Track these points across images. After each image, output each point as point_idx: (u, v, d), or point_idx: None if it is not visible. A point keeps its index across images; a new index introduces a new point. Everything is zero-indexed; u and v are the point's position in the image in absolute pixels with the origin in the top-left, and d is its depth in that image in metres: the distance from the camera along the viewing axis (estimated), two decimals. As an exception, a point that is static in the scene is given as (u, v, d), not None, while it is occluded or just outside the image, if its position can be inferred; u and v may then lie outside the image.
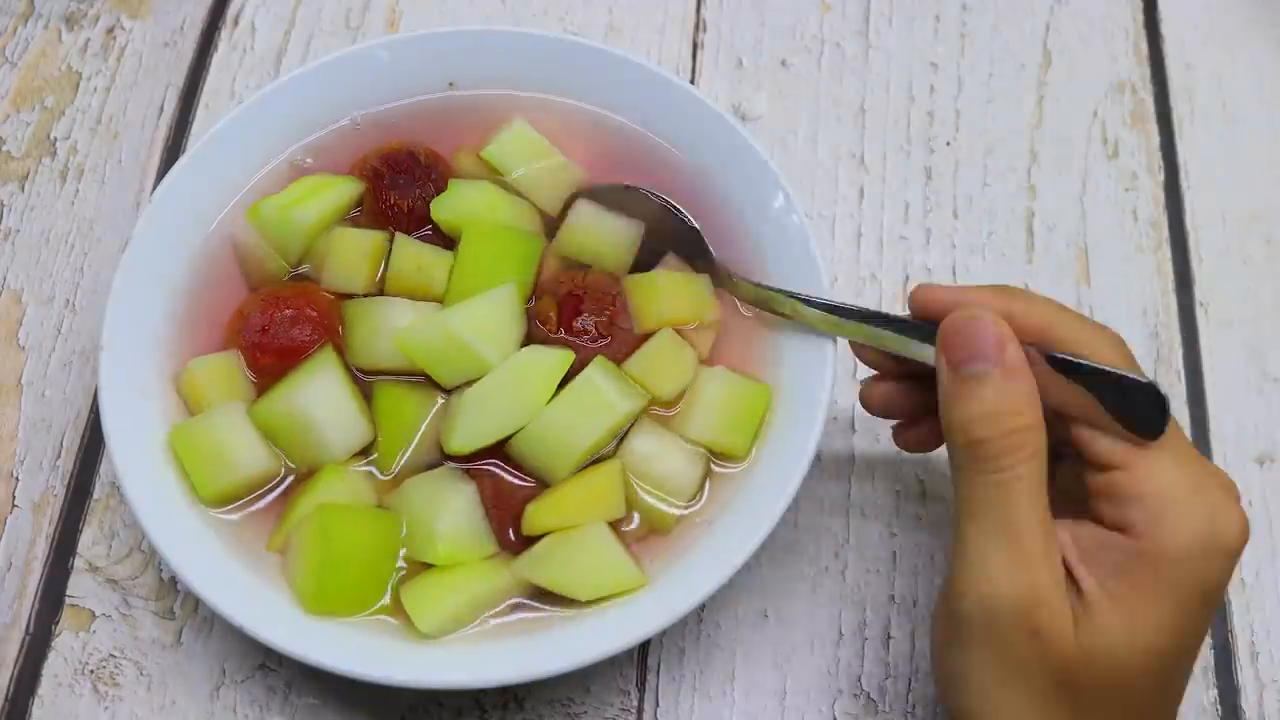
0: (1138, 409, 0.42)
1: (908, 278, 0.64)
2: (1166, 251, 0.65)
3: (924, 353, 0.46)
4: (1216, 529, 0.41)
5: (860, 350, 0.50)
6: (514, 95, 0.60)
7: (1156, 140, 0.68)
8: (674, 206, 0.57)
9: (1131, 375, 0.42)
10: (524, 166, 0.58)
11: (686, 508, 0.52)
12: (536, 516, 0.50)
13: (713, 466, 0.53)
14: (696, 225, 0.57)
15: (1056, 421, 0.44)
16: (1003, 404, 0.42)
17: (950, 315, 0.44)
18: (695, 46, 0.71)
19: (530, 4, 0.72)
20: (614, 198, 0.57)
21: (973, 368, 0.42)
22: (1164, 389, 0.44)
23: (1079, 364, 0.43)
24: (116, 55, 0.70)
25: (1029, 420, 0.42)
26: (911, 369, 0.49)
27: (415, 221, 0.57)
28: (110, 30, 0.71)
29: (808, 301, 0.51)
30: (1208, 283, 0.64)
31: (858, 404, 0.60)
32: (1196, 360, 0.62)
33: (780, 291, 0.52)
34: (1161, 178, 0.67)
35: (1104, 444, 0.43)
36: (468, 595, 0.49)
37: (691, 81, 0.69)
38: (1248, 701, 0.54)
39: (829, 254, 0.64)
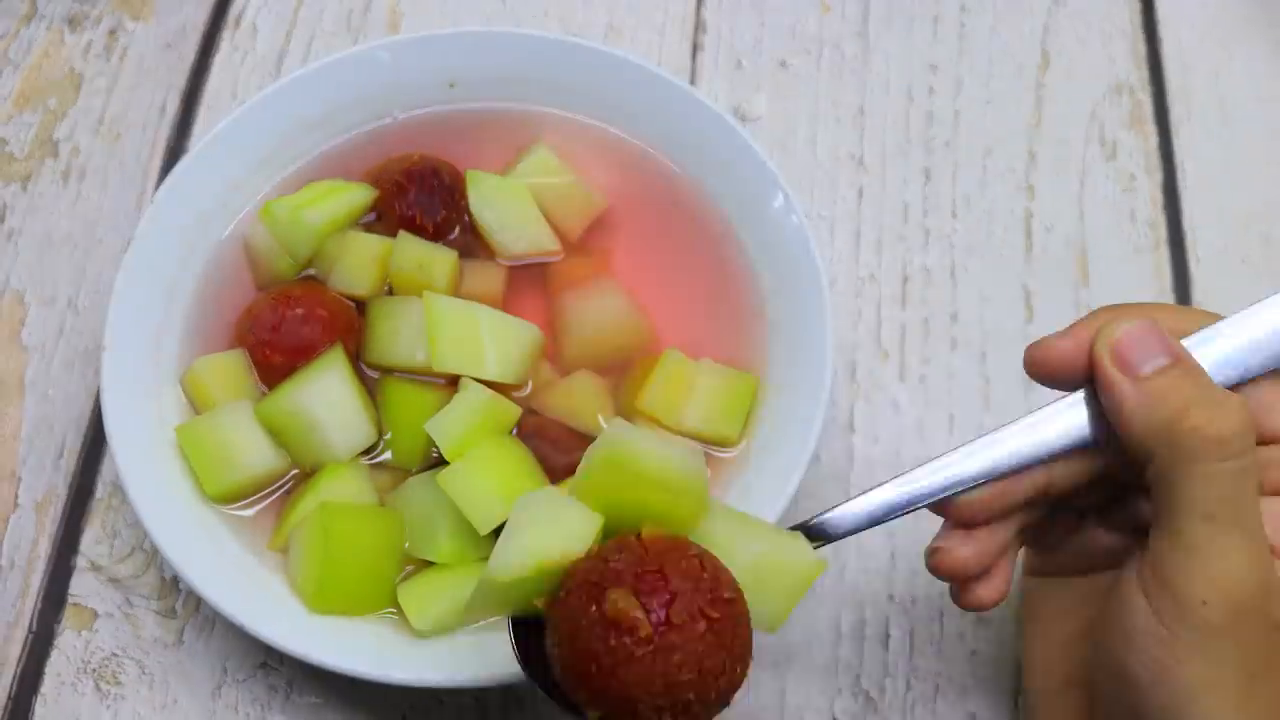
0: None
1: (907, 278, 0.64)
2: (1165, 252, 0.65)
3: (1070, 427, 0.42)
4: None
5: (960, 508, 0.43)
6: (525, 110, 0.61)
7: (1155, 141, 0.69)
8: None
9: None
10: (546, 195, 0.59)
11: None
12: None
13: (709, 452, 0.54)
14: None
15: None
16: (1206, 391, 0.39)
17: (1100, 332, 0.41)
18: (695, 48, 0.71)
19: (530, 5, 0.72)
20: None
21: (1151, 365, 0.39)
22: None
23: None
24: (119, 56, 0.70)
25: (1239, 401, 0.39)
26: (1005, 502, 0.43)
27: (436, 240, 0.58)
28: (112, 32, 0.71)
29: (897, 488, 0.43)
30: (1206, 283, 0.64)
31: (856, 404, 0.60)
32: (1194, 360, 0.62)
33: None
34: (1159, 178, 0.67)
35: None
36: (465, 594, 0.49)
37: (691, 82, 0.69)
38: (1245, 700, 0.54)
39: (828, 254, 0.64)
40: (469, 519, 0.48)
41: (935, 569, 0.44)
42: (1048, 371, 0.43)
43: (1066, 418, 0.42)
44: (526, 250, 0.58)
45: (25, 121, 0.68)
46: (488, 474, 0.49)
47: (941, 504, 0.43)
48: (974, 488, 0.42)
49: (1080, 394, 0.42)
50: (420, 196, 0.57)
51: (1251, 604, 0.38)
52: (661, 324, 0.57)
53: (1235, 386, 0.41)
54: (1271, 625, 0.39)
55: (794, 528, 0.44)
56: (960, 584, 0.44)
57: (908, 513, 0.43)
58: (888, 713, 0.54)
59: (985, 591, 0.44)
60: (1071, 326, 0.42)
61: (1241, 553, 0.38)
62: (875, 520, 0.43)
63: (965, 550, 0.43)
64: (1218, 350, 0.41)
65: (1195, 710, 0.38)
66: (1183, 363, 0.40)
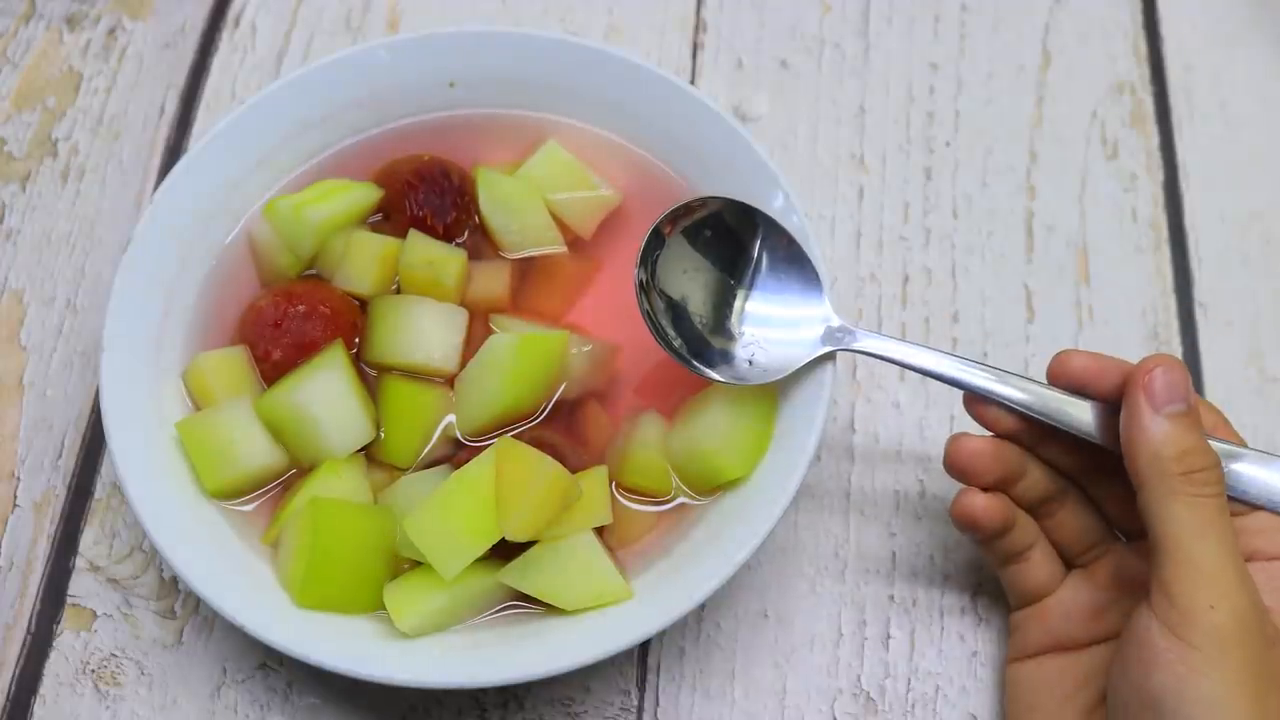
0: None
1: (907, 278, 0.64)
2: (1166, 252, 0.65)
3: (1072, 416, 0.48)
4: None
5: (984, 408, 0.49)
6: (524, 113, 0.61)
7: (1156, 141, 0.68)
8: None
9: None
10: (559, 191, 0.59)
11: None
12: (520, 523, 0.48)
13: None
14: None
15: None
16: (1203, 440, 0.45)
17: (1147, 361, 0.46)
18: (695, 47, 0.71)
19: (530, 5, 0.72)
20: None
21: (1176, 406, 0.45)
22: None
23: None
24: (118, 56, 0.70)
25: (1217, 455, 0.46)
26: (1022, 431, 0.49)
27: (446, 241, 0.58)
28: (111, 31, 0.71)
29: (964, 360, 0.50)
30: (1207, 283, 0.64)
31: (857, 403, 0.60)
32: (1196, 360, 0.62)
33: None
34: (1161, 178, 0.67)
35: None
36: (450, 598, 0.49)
37: (691, 82, 0.69)
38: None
39: (829, 254, 0.64)
40: (433, 565, 0.48)
41: (951, 455, 0.49)
42: (1067, 376, 0.49)
43: (1086, 410, 0.48)
44: (534, 252, 0.58)
45: (24, 121, 0.68)
46: (450, 516, 0.48)
47: (973, 397, 0.49)
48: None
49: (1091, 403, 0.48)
50: (430, 197, 0.57)
51: (1251, 613, 0.42)
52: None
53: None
54: (1266, 642, 0.42)
55: (833, 331, 0.51)
56: (962, 502, 0.49)
57: (935, 379, 0.50)
58: (888, 713, 0.54)
59: (981, 500, 0.49)
60: (1100, 355, 0.49)
61: (1234, 570, 0.43)
62: (901, 363, 0.50)
63: (978, 441, 0.49)
64: (1240, 468, 0.47)
65: (1222, 716, 0.41)
66: (1194, 414, 0.45)
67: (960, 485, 0.50)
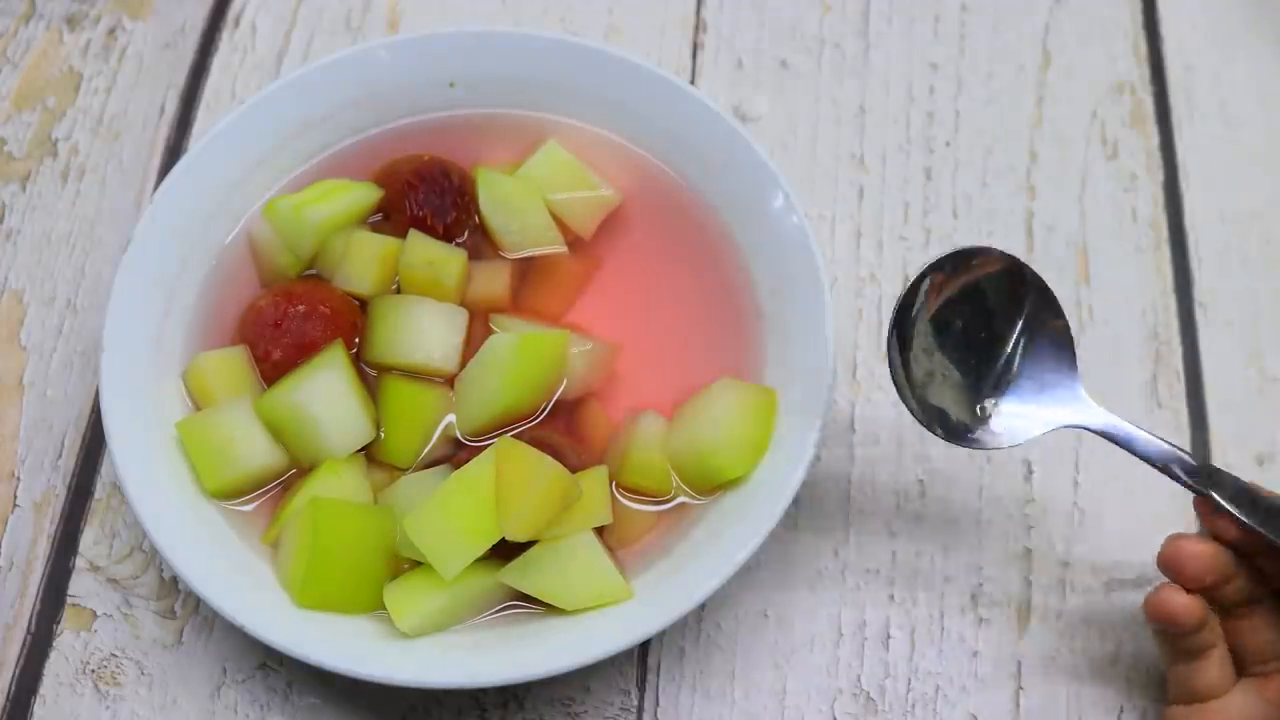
0: None
1: (907, 278, 0.64)
2: (1166, 252, 0.65)
3: None
4: None
5: (1216, 516, 0.48)
6: (524, 113, 0.61)
7: (1156, 141, 0.68)
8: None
9: None
10: (559, 191, 0.59)
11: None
12: (520, 523, 0.48)
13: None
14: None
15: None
16: None
17: None
18: (695, 47, 0.71)
19: (530, 4, 0.72)
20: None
21: None
22: None
23: None
24: (118, 56, 0.70)
25: None
26: (1244, 540, 0.48)
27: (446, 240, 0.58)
28: (111, 31, 0.71)
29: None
30: (1207, 283, 0.64)
31: (857, 403, 0.60)
32: (1196, 360, 0.62)
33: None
34: (1161, 178, 0.67)
35: None
36: (450, 598, 0.49)
37: (691, 82, 0.69)
38: (1247, 701, 0.54)
39: (829, 254, 0.64)
40: (433, 565, 0.48)
41: (1171, 553, 0.48)
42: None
43: None
44: (534, 252, 0.58)
45: (24, 121, 0.68)
46: (450, 516, 0.48)
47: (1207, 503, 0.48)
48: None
49: None
50: (430, 197, 0.57)
51: None
52: (660, 325, 0.57)
53: None
54: None
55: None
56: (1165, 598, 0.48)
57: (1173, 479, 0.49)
58: (888, 713, 0.54)
59: (1183, 600, 0.47)
60: None
61: None
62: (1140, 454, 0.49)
63: (1208, 546, 0.48)
64: None
65: None
66: None
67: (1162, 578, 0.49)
